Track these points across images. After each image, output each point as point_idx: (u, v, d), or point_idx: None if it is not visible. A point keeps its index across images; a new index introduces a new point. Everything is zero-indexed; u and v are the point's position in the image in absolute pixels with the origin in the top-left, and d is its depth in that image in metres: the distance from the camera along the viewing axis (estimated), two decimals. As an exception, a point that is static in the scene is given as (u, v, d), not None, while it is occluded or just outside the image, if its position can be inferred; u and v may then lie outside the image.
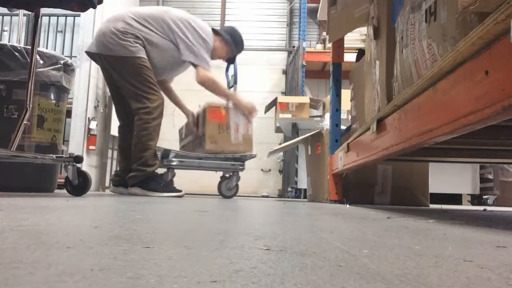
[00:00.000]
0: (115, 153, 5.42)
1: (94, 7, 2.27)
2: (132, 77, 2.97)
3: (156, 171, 3.09)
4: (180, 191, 3.12)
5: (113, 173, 4.20)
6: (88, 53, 3.15)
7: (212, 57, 3.35)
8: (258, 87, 6.34)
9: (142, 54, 3.00)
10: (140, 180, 3.00)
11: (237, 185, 3.57)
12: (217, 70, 4.21)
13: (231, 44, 3.39)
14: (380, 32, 2.06)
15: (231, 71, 3.96)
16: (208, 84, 3.13)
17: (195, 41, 3.10)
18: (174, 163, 3.29)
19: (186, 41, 3.07)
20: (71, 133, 4.59)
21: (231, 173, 3.52)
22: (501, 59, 0.91)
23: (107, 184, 5.17)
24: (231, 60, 3.55)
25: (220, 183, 3.57)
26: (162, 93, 3.13)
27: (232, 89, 3.88)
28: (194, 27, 3.13)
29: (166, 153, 3.32)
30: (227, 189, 3.53)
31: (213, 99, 3.40)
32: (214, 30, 3.34)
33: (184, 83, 3.81)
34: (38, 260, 0.48)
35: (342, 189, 3.14)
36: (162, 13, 3.12)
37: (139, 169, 2.99)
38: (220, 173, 3.65)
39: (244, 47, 3.56)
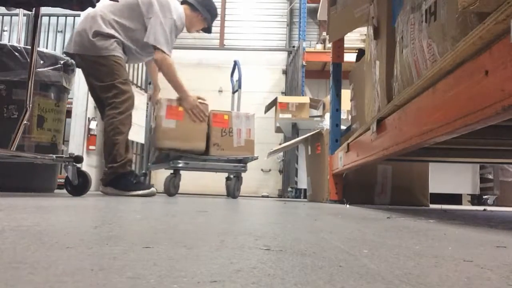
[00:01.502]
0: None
1: (93, 6, 2.27)
2: (103, 74, 2.95)
3: (129, 167, 3.01)
4: (151, 187, 3.03)
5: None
6: (67, 53, 3.09)
7: (189, 30, 3.40)
8: (258, 87, 6.34)
9: (117, 53, 2.99)
10: (112, 179, 2.92)
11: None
12: (220, 70, 4.25)
13: (202, 12, 3.37)
14: (380, 32, 2.06)
15: (235, 76, 4.00)
16: (164, 67, 3.09)
17: (162, 24, 3.04)
18: (180, 165, 3.34)
19: (152, 24, 3.03)
20: (71, 133, 4.59)
21: (234, 175, 3.64)
22: (501, 59, 0.91)
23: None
24: (207, 30, 3.52)
25: (228, 184, 3.70)
26: (131, 89, 3.06)
27: (236, 93, 3.94)
28: (165, 9, 3.07)
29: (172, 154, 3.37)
30: (236, 189, 3.65)
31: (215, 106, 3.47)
32: (185, 2, 3.35)
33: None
34: (38, 260, 0.48)
35: (342, 189, 3.14)
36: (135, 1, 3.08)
37: (109, 166, 2.93)
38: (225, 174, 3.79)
39: (216, 15, 3.54)
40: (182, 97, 3.25)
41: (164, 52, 3.04)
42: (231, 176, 3.68)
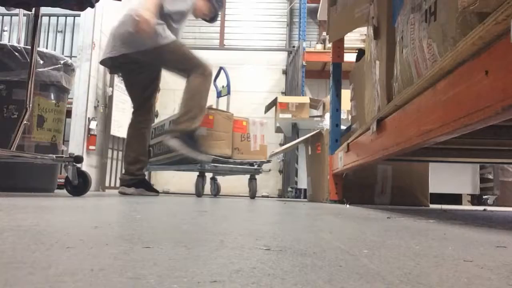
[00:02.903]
0: (115, 153, 5.42)
1: (92, 6, 2.27)
2: (176, 58, 3.16)
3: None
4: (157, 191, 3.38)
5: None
6: (110, 58, 3.21)
7: (195, 15, 3.50)
8: (258, 87, 6.34)
9: (173, 36, 3.16)
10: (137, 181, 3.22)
11: None
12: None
13: (212, 1, 3.49)
14: (380, 32, 2.06)
15: (223, 81, 4.09)
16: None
17: None
18: (206, 168, 3.52)
19: None
20: (71, 133, 4.59)
21: (250, 177, 3.94)
22: (501, 59, 0.91)
23: (107, 184, 5.17)
24: (213, 19, 3.63)
25: (250, 185, 3.97)
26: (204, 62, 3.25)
27: (222, 98, 4.21)
28: None
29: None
30: (253, 189, 3.95)
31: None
32: None
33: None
34: (38, 260, 0.48)
35: (342, 189, 3.14)
36: None
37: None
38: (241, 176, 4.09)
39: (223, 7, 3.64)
40: None
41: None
42: (253, 178, 3.97)
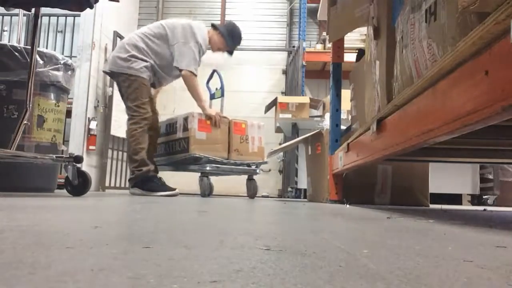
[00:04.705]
0: (115, 153, 5.42)
1: (91, 7, 2.27)
2: (130, 92, 3.42)
3: (152, 173, 3.45)
4: (175, 189, 3.43)
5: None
6: (105, 72, 3.69)
7: (212, 50, 3.81)
8: (258, 87, 6.33)
9: (145, 76, 3.45)
10: (139, 181, 3.34)
11: None
12: (219, 70, 4.28)
13: (226, 38, 3.76)
14: (380, 32, 2.06)
15: (217, 84, 4.12)
16: (188, 83, 3.51)
17: (184, 48, 3.48)
18: (207, 169, 3.62)
19: (176, 49, 3.47)
20: (71, 133, 4.59)
21: (249, 177, 4.05)
22: (501, 59, 0.91)
23: (107, 184, 5.16)
24: (230, 53, 3.93)
25: (248, 185, 4.06)
26: (150, 110, 3.50)
27: (214, 100, 4.29)
28: (189, 33, 3.51)
29: (202, 158, 3.64)
30: (253, 189, 4.06)
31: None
32: (213, 26, 3.78)
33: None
34: (38, 260, 0.48)
35: (342, 189, 3.14)
36: (161, 27, 3.54)
37: (135, 170, 3.36)
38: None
39: (241, 43, 3.92)
40: (200, 108, 3.65)
41: (190, 72, 3.47)
42: (251, 178, 4.08)
